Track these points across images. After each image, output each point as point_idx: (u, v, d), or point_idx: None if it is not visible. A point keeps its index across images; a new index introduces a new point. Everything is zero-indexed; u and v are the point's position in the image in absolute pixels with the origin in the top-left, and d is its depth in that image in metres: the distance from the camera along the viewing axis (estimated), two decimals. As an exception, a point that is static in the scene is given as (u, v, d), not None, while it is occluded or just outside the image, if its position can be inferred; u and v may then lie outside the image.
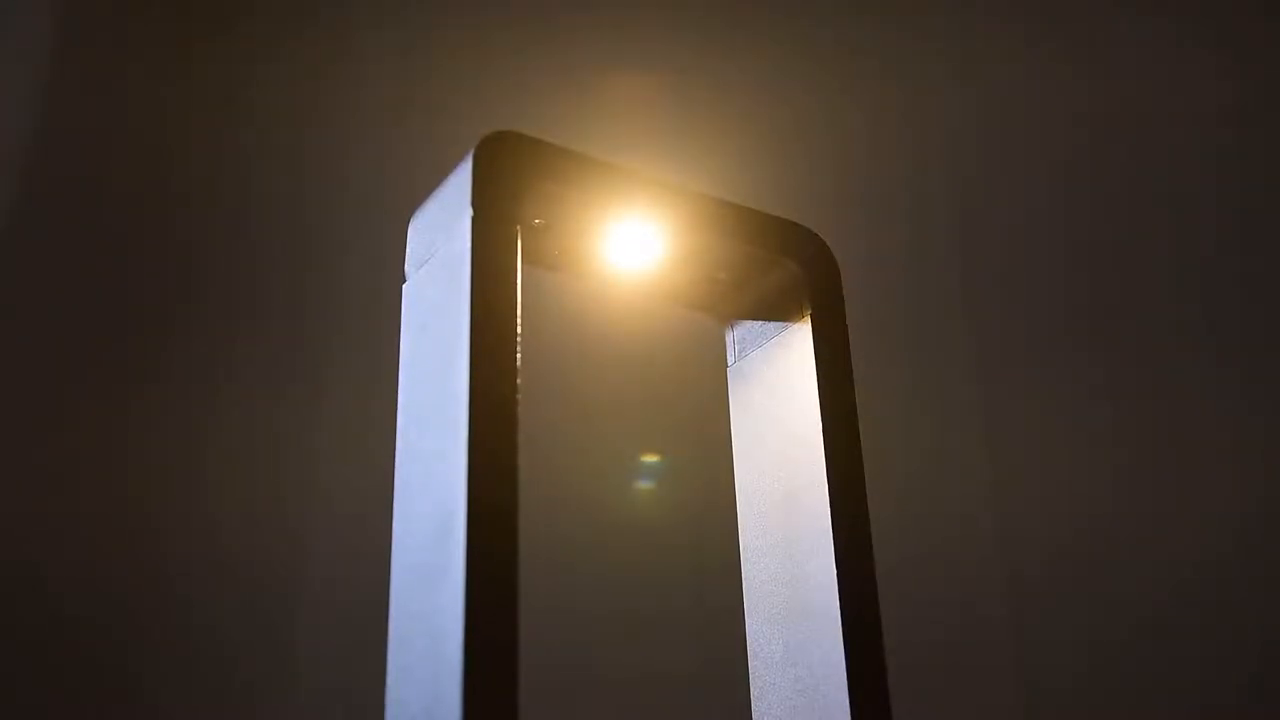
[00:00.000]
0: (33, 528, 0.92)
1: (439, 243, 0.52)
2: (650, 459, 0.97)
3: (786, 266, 0.60)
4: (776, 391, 0.60)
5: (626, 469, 0.97)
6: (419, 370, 0.51)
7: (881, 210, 1.20)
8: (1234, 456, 1.18)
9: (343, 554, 0.96)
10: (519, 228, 0.51)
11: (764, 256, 0.60)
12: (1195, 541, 1.15)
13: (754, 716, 0.56)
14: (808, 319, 0.59)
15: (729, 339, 0.64)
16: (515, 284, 0.50)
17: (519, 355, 0.49)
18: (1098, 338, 1.22)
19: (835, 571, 0.53)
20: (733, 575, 0.58)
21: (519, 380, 0.48)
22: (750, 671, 0.57)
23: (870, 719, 0.51)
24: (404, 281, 0.54)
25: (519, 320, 0.49)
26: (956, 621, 1.01)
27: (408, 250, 0.55)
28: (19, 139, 1.00)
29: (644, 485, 0.96)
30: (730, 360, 0.64)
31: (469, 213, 0.50)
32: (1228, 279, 1.27)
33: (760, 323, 0.62)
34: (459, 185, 0.52)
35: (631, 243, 0.59)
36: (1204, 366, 1.23)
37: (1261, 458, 1.18)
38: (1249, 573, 1.15)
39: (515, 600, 0.45)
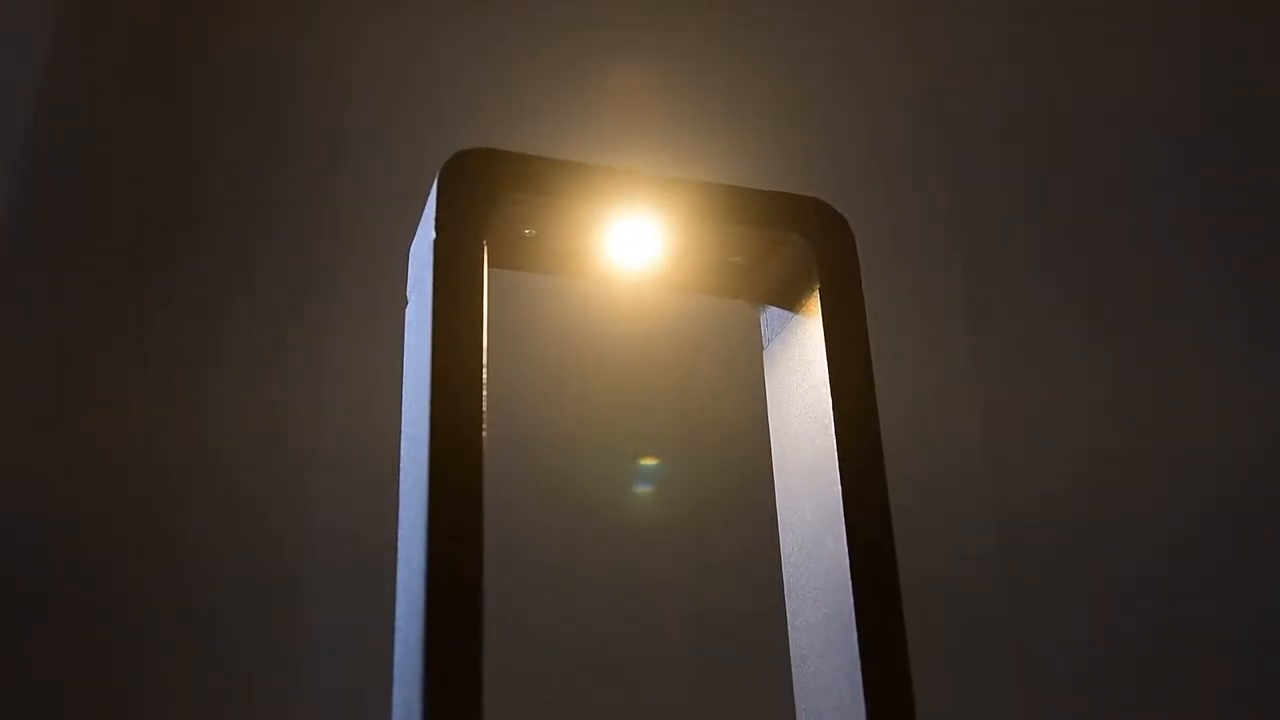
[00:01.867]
0: (31, 477, 0.97)
1: (419, 266, 0.54)
2: (690, 456, 0.96)
3: (794, 241, 0.58)
4: (801, 369, 0.58)
5: (665, 466, 0.96)
6: (409, 391, 0.53)
7: (866, 148, 1.15)
8: (1231, 393, 1.08)
9: (347, 531, 0.98)
10: (486, 246, 0.52)
11: (772, 234, 0.58)
12: (1192, 481, 1.05)
13: (795, 695, 0.55)
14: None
15: (761, 321, 0.63)
16: (480, 304, 0.51)
17: (484, 374, 0.50)
18: (1091, 276, 1.15)
19: (848, 552, 0.52)
20: (772, 559, 0.57)
21: (484, 392, 0.49)
22: (791, 658, 0.56)
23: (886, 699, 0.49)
24: (405, 304, 0.56)
25: (484, 340, 0.50)
26: (948, 571, 0.96)
27: (408, 274, 0.57)
28: (20, 120, 1.06)
29: (684, 480, 0.95)
30: (765, 343, 0.62)
31: (432, 235, 0.52)
32: (1225, 213, 1.20)
33: (791, 301, 0.61)
34: (430, 208, 0.53)
35: (632, 240, 0.58)
36: (1200, 301, 1.16)
37: (1260, 396, 1.07)
38: (1247, 512, 1.05)
39: (479, 616, 0.46)
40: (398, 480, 0.52)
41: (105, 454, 0.98)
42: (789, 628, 0.56)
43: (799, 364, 0.58)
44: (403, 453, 0.52)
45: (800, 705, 0.54)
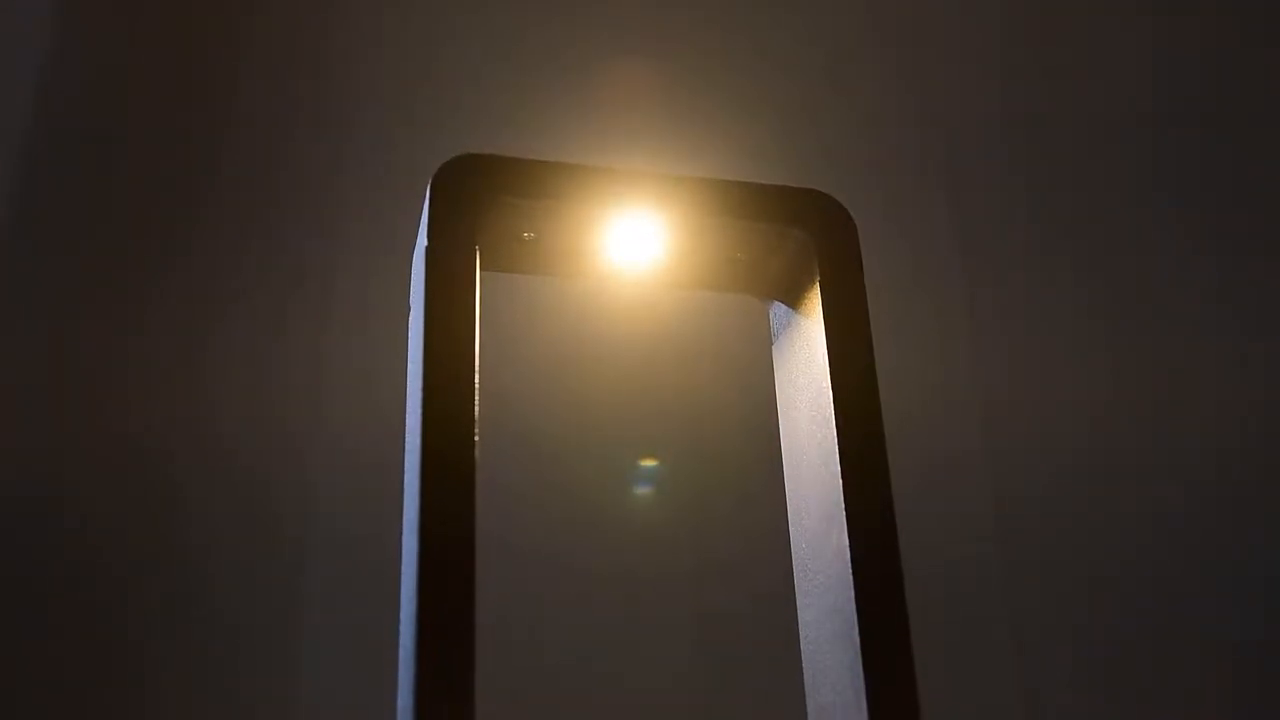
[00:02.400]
0: (29, 464, 0.97)
1: (416, 275, 0.54)
2: (703, 455, 0.95)
3: (795, 234, 0.58)
4: (806, 363, 0.58)
5: (677, 466, 0.95)
6: (409, 400, 0.54)
7: (867, 142, 1.14)
8: (1231, 390, 1.04)
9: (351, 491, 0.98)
10: (480, 252, 0.53)
11: (774, 228, 0.58)
12: (1194, 475, 1.02)
13: (805, 689, 0.55)
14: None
15: (770, 316, 0.62)
16: (472, 312, 0.51)
17: (476, 382, 0.50)
18: (1092, 268, 1.13)
19: (849, 545, 0.51)
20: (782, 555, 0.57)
21: (476, 402, 0.50)
22: (802, 653, 0.56)
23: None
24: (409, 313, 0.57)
25: (476, 349, 0.50)
26: (947, 561, 0.94)
27: (411, 283, 0.57)
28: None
29: (697, 480, 0.95)
30: (774, 338, 0.62)
31: (424, 243, 0.52)
32: (1227, 204, 1.19)
33: (797, 295, 0.60)
34: (424, 217, 0.54)
35: (633, 240, 0.58)
36: (1203, 293, 1.14)
37: (1261, 390, 1.04)
38: (1249, 505, 1.01)
39: (471, 624, 0.46)
40: (400, 472, 0.52)
41: (105, 443, 0.99)
42: (799, 622, 0.56)
43: (804, 357, 0.58)
44: (405, 460, 0.53)
45: (810, 700, 0.54)
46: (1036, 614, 1.00)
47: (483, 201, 0.54)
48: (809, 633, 0.55)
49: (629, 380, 0.95)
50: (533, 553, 0.88)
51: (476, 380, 0.50)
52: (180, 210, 1.08)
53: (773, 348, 0.62)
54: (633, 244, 0.58)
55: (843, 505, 0.52)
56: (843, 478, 0.52)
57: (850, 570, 0.51)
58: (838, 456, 0.53)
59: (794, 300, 0.60)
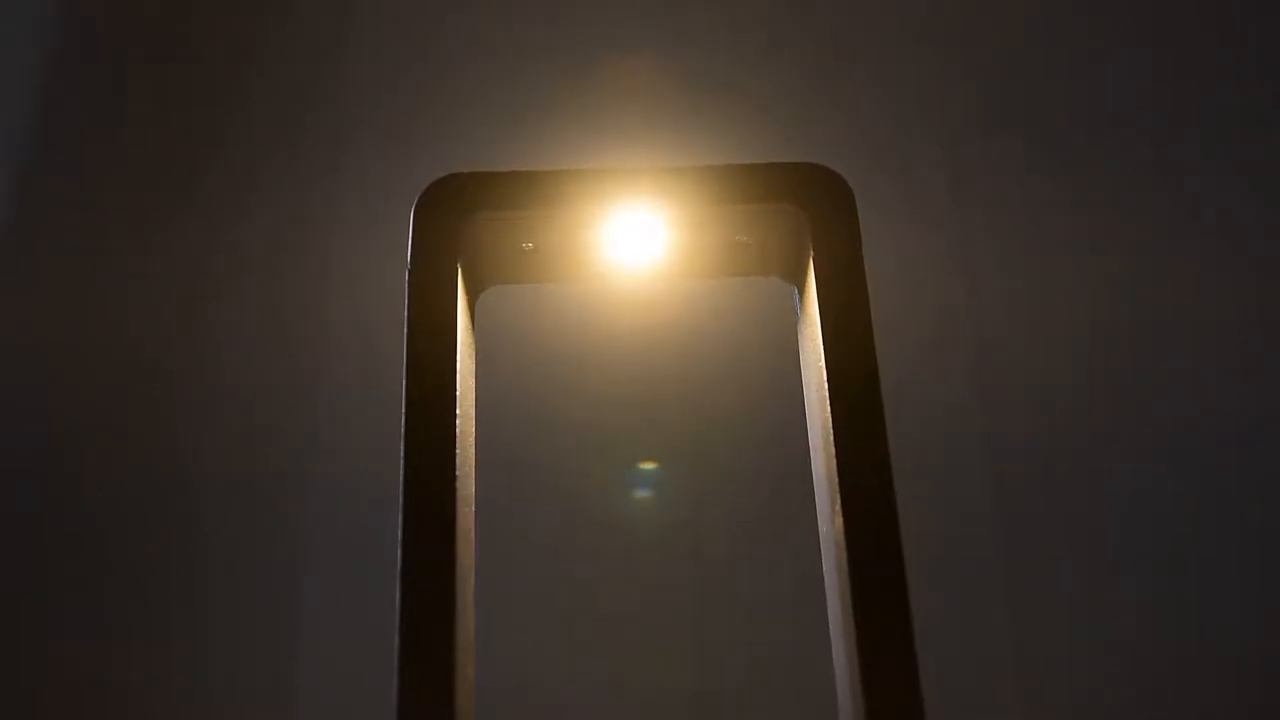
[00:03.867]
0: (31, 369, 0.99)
1: (411, 298, 0.56)
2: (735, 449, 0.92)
3: (790, 210, 0.56)
4: (814, 340, 0.57)
5: (714, 462, 0.92)
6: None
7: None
8: (1245, 314, 0.91)
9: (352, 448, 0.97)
10: (459, 270, 0.54)
11: (770, 207, 0.57)
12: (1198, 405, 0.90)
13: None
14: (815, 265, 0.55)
15: (794, 296, 0.61)
16: (452, 336, 0.52)
17: (458, 409, 0.51)
18: (1092, 212, 1.05)
19: (845, 529, 0.50)
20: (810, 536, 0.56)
21: (458, 428, 0.50)
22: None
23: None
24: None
25: (457, 375, 0.51)
26: (936, 512, 0.87)
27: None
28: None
29: (730, 476, 0.92)
30: (797, 317, 0.61)
31: (408, 267, 0.54)
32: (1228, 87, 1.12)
33: (804, 271, 0.59)
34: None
35: (634, 238, 0.58)
36: (1204, 218, 1.06)
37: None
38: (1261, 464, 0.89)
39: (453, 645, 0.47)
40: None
41: (104, 364, 1.01)
42: (828, 610, 0.55)
43: (813, 335, 0.57)
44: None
45: (838, 685, 0.53)
46: (1036, 596, 0.94)
47: (468, 220, 0.55)
48: (832, 616, 0.54)
49: (651, 379, 0.93)
50: (556, 556, 0.89)
51: (458, 406, 0.51)
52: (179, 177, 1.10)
53: (797, 328, 0.61)
54: (634, 241, 0.58)
55: (839, 485, 0.50)
56: (837, 456, 0.51)
57: (846, 555, 0.49)
58: (833, 437, 0.51)
59: (802, 277, 0.58)
